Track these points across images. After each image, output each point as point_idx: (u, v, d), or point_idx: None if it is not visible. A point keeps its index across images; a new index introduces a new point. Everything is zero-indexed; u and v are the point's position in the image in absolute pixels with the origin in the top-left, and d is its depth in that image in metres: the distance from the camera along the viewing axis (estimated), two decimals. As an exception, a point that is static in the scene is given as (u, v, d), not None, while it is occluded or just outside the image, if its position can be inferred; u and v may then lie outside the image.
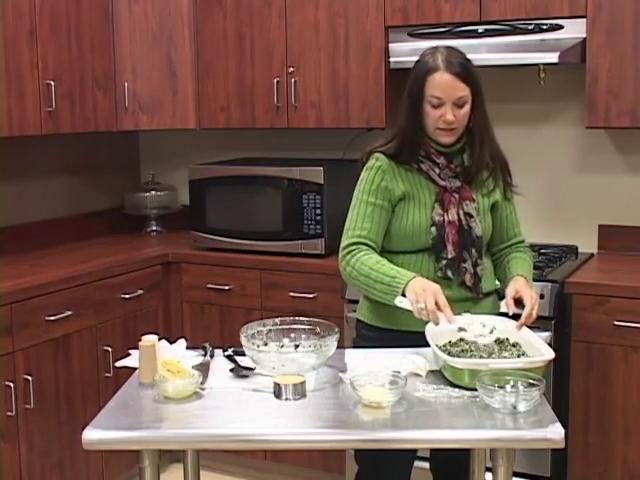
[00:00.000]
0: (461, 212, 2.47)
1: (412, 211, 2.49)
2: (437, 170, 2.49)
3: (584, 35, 3.26)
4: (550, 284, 3.11)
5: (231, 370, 2.30)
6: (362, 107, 3.67)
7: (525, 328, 2.38)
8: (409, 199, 2.49)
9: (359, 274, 2.43)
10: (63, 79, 3.64)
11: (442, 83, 2.40)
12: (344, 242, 2.50)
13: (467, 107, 2.43)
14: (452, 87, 2.39)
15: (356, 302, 2.73)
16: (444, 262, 2.46)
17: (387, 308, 2.46)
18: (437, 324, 2.25)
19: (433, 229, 2.46)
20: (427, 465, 2.78)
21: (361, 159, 2.58)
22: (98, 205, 4.39)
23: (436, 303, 2.25)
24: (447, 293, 2.43)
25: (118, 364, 2.42)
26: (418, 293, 2.27)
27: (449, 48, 2.48)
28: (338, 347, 2.30)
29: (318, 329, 2.37)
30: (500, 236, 2.63)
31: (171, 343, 2.44)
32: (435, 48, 2.47)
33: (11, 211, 3.89)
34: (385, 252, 2.52)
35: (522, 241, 2.67)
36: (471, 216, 2.48)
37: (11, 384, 3.07)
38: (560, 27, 3.28)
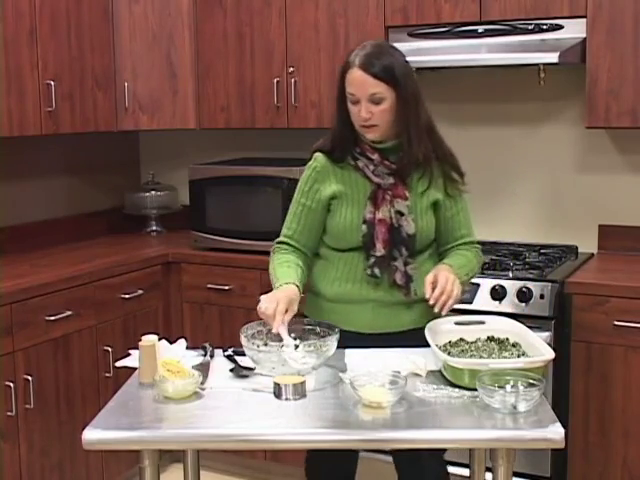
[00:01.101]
0: (392, 210, 2.46)
1: (345, 209, 2.50)
2: (371, 167, 2.48)
3: (584, 35, 3.26)
4: (550, 284, 3.11)
5: (231, 370, 2.30)
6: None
7: (525, 328, 2.38)
8: (342, 198, 2.51)
9: (270, 272, 2.53)
10: (63, 79, 3.64)
11: (354, 80, 2.40)
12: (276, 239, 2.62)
13: (385, 104, 2.40)
14: (364, 83, 2.39)
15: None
16: (372, 260, 2.45)
17: (316, 300, 2.52)
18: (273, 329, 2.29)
19: (364, 227, 2.46)
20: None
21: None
22: (98, 205, 4.39)
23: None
24: (377, 294, 2.48)
25: (118, 364, 2.42)
26: (264, 299, 2.32)
27: (377, 46, 2.45)
28: (338, 347, 2.30)
29: (318, 329, 2.38)
30: (446, 236, 2.58)
31: (171, 343, 2.44)
32: (363, 45, 2.45)
33: (11, 211, 3.89)
34: (328, 249, 2.55)
35: (472, 242, 2.60)
36: (402, 214, 2.46)
37: (11, 384, 3.07)
38: (560, 27, 3.28)
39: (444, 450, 2.63)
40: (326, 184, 2.52)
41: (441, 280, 2.34)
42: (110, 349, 3.50)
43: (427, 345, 2.27)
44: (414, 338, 2.41)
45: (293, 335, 2.35)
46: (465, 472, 2.53)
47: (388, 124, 2.44)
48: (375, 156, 2.48)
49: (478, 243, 2.64)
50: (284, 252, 2.56)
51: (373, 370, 2.15)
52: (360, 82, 2.39)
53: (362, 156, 2.49)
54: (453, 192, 2.54)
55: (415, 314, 2.50)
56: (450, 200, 2.54)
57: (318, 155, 2.56)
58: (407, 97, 2.41)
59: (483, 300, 3.17)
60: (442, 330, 2.37)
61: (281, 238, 2.60)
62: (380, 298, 2.47)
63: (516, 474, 2.69)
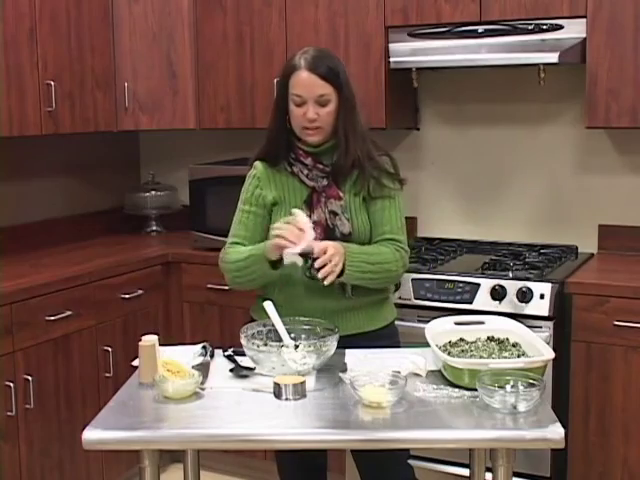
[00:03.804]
0: (326, 211, 2.48)
1: (282, 215, 2.51)
2: (306, 171, 2.51)
3: (584, 35, 3.25)
4: (550, 284, 3.11)
5: (231, 370, 2.30)
6: (362, 107, 3.66)
7: (525, 328, 2.39)
8: (281, 204, 2.54)
9: (234, 263, 2.49)
10: (63, 79, 3.64)
11: (302, 81, 2.43)
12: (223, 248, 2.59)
13: (331, 106, 2.45)
14: (312, 85, 2.42)
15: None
16: (310, 262, 2.44)
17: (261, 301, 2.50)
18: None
19: None
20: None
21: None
22: (98, 205, 4.39)
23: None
24: (321, 297, 2.46)
25: (135, 363, 2.38)
26: (276, 227, 2.35)
27: (320, 50, 2.51)
28: (338, 347, 2.30)
29: (318, 329, 2.38)
30: (373, 232, 2.56)
31: (172, 344, 2.44)
32: (305, 50, 2.49)
33: (11, 211, 3.89)
34: None
35: (394, 239, 2.55)
36: (336, 214, 2.48)
37: (11, 384, 3.07)
38: (560, 27, 3.28)
39: (408, 452, 2.63)
40: (267, 190, 2.56)
41: (329, 251, 2.33)
42: (110, 349, 3.50)
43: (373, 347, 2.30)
44: (359, 342, 2.45)
45: (293, 335, 2.35)
46: (465, 472, 2.53)
47: (330, 127, 2.48)
48: (308, 160, 2.51)
49: (407, 246, 2.59)
50: (240, 246, 2.54)
51: (373, 370, 2.15)
52: (308, 83, 2.42)
53: (297, 161, 2.53)
54: (377, 194, 2.53)
55: (358, 318, 2.51)
56: (373, 198, 2.54)
57: (257, 164, 2.61)
58: (349, 100, 2.48)
59: (483, 300, 3.17)
60: (442, 330, 2.37)
61: (228, 246, 2.57)
62: (324, 301, 2.47)
63: (516, 474, 2.68)
